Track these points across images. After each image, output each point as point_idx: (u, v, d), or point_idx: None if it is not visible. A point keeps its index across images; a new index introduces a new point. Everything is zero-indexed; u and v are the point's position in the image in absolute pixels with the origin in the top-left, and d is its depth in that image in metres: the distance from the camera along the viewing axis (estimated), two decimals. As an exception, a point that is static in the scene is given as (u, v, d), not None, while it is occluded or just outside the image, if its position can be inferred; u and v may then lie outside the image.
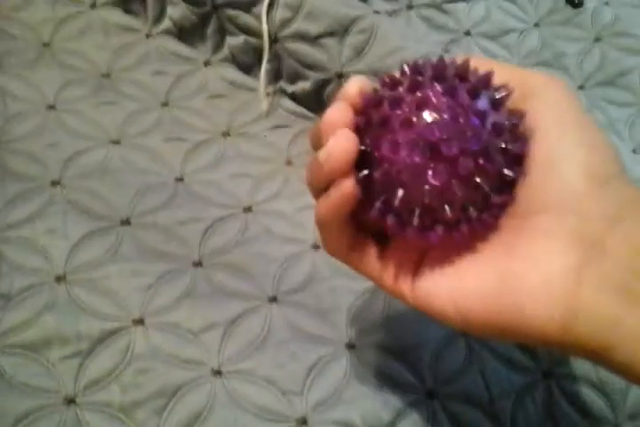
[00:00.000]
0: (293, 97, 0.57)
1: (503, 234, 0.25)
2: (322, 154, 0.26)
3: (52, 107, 0.51)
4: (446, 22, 0.65)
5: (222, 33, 0.57)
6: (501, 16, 0.66)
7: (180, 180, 0.49)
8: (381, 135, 0.25)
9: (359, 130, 0.26)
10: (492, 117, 0.25)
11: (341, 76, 0.53)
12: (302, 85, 0.55)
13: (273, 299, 0.44)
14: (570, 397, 0.42)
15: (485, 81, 0.26)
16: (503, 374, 0.42)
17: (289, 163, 0.53)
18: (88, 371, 0.39)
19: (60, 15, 0.57)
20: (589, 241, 0.23)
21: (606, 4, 0.67)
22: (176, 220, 0.47)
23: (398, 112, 0.25)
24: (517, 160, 0.25)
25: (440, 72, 0.26)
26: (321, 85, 0.55)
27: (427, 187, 0.25)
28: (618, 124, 0.60)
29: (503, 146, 0.25)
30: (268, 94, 0.56)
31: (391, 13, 0.65)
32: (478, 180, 0.24)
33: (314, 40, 0.53)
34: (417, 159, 0.24)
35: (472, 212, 0.25)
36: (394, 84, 0.27)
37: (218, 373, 0.40)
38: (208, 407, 0.39)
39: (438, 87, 0.25)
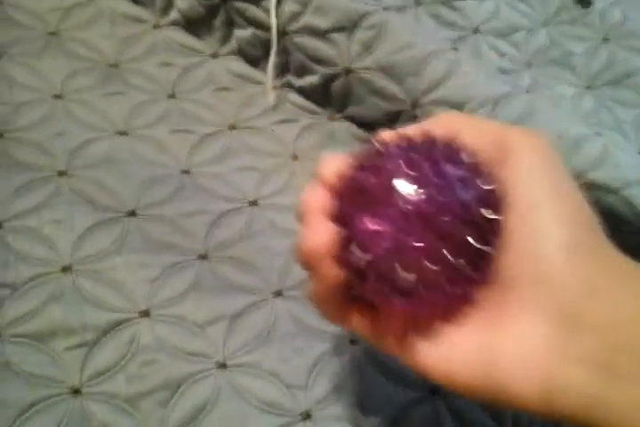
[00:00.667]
0: (301, 91, 0.57)
1: (485, 306, 0.25)
2: (301, 242, 0.27)
3: (58, 96, 0.51)
4: (455, 19, 0.65)
5: (230, 25, 0.57)
6: (510, 14, 0.66)
7: (187, 172, 0.49)
8: (355, 214, 0.26)
9: (338, 204, 0.27)
10: (463, 189, 0.25)
11: (349, 72, 0.53)
12: (310, 80, 0.55)
13: (278, 293, 0.44)
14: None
15: (456, 154, 0.26)
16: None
17: (295, 157, 0.53)
18: (94, 362, 0.39)
19: (67, 4, 0.56)
20: (568, 315, 0.22)
21: (615, 4, 0.67)
22: (182, 212, 0.47)
23: (366, 194, 0.26)
24: (492, 232, 0.25)
25: (407, 149, 0.27)
26: (329, 80, 0.54)
27: (399, 263, 0.25)
28: (624, 125, 0.60)
29: (475, 219, 0.25)
30: (275, 88, 0.56)
31: (399, 9, 0.65)
32: (449, 255, 0.25)
33: (322, 35, 0.53)
34: (387, 238, 0.25)
35: (447, 287, 0.25)
36: (363, 163, 0.27)
37: (223, 366, 0.40)
38: (212, 400, 0.39)
39: (405, 165, 0.25)
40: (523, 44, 0.65)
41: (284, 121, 0.55)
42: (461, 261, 0.25)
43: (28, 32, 0.54)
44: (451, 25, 0.64)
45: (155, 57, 0.56)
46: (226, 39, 0.58)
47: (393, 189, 0.25)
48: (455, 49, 0.59)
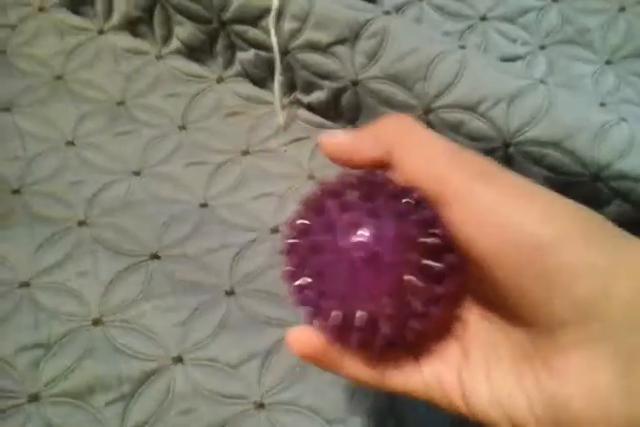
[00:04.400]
0: (310, 107, 0.56)
1: (538, 352, 0.23)
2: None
3: (70, 143, 0.51)
4: (460, 9, 0.63)
5: (232, 48, 0.56)
6: (517, -5, 0.64)
7: (205, 206, 0.49)
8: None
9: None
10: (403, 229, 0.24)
11: (357, 84, 0.52)
12: (318, 95, 0.54)
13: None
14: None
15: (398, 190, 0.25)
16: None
17: (311, 177, 0.52)
18: (133, 414, 0.40)
19: (69, 45, 0.57)
20: (622, 347, 0.21)
21: (628, -29, 0.64)
22: (204, 248, 0.47)
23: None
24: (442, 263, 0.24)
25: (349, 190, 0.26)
26: (337, 94, 0.54)
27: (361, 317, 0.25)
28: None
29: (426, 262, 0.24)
30: (283, 107, 0.55)
31: (402, 6, 0.63)
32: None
33: (325, 49, 0.52)
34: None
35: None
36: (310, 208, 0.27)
37: (261, 406, 0.41)
38: (254, 442, 0.39)
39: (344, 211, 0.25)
40: (534, 26, 0.63)
41: (296, 140, 0.54)
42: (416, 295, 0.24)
43: (33, 80, 0.54)
44: (457, 15, 0.63)
45: (160, 89, 0.56)
46: (229, 63, 0.57)
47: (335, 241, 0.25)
48: (462, 47, 0.58)
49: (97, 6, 0.57)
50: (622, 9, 0.64)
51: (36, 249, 0.45)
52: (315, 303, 0.25)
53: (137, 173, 0.50)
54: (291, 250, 0.26)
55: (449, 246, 0.24)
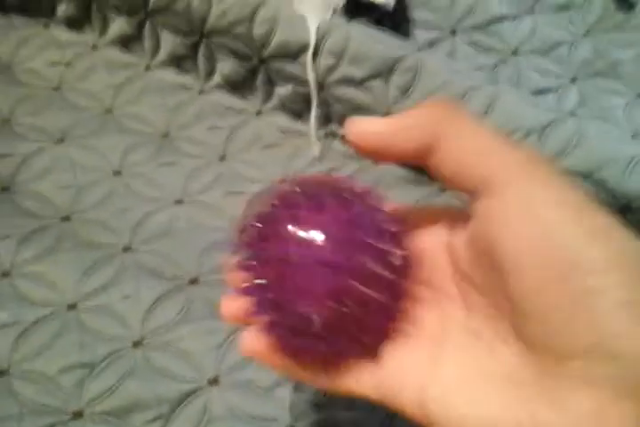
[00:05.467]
0: (344, 139, 0.58)
1: (537, 379, 0.21)
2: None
3: (118, 173, 0.54)
4: (493, 43, 0.65)
5: (271, 83, 0.59)
6: (549, 30, 0.65)
7: (242, 234, 0.51)
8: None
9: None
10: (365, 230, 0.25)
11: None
12: (352, 127, 0.56)
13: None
14: None
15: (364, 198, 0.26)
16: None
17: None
18: (171, 434, 0.41)
19: (118, 81, 0.60)
20: (635, 388, 0.18)
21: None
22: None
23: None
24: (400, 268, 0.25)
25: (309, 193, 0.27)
26: (370, 126, 0.55)
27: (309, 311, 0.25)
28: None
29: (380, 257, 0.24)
30: (319, 139, 0.58)
31: (435, 41, 0.65)
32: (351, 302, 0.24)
33: (359, 83, 0.54)
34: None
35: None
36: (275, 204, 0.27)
37: (292, 428, 0.42)
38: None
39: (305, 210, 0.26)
40: (566, 59, 0.64)
41: (331, 170, 0.56)
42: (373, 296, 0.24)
43: (85, 113, 0.58)
44: (489, 50, 0.64)
45: (203, 122, 0.58)
46: (268, 97, 0.60)
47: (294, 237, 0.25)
48: (494, 81, 0.59)
49: (145, 44, 0.61)
50: (655, 43, 0.65)
51: (83, 273, 0.48)
52: (265, 305, 0.26)
53: (179, 202, 0.53)
54: (243, 252, 0.27)
55: (398, 242, 0.25)
